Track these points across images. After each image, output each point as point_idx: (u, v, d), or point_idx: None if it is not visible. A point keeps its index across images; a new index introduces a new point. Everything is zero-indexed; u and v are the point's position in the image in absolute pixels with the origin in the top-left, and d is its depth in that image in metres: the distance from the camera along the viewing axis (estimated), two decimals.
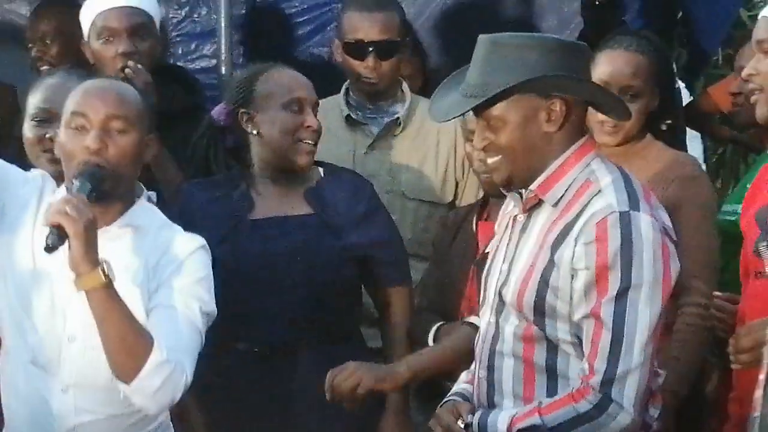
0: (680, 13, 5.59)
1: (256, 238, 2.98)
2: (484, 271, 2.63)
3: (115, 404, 2.22)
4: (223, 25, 4.09)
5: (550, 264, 2.36)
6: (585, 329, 2.32)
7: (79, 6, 3.89)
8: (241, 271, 2.91)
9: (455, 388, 2.63)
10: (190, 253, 2.39)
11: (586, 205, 2.36)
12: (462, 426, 2.41)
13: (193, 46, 4.54)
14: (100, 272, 2.07)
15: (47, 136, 2.77)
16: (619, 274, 2.28)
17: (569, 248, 2.33)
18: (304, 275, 2.95)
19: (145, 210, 2.45)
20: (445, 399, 2.58)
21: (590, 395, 2.25)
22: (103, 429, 2.37)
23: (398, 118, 3.52)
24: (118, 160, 2.26)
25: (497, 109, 2.39)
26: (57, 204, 2.12)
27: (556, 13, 5.17)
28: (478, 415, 2.40)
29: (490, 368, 2.46)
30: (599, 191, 2.36)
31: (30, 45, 4.23)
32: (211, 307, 2.42)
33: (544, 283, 2.37)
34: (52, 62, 4.03)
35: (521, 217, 2.49)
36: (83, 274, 2.06)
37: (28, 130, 2.84)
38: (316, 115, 3.02)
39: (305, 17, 4.87)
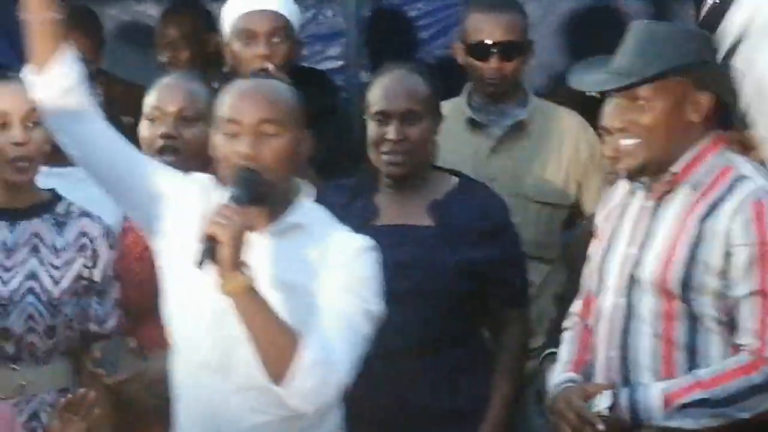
0: None
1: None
2: (596, 258, 2.68)
3: (287, 406, 2.25)
4: (351, 27, 4.20)
5: (698, 240, 2.42)
6: (750, 305, 2.39)
7: (205, 9, 4.28)
8: None
9: (559, 378, 2.66)
10: (358, 252, 2.41)
11: (730, 188, 2.46)
12: (598, 406, 2.46)
13: (318, 47, 4.54)
14: (243, 277, 2.12)
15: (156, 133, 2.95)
16: None
17: (722, 225, 2.40)
18: (414, 287, 2.93)
19: (309, 208, 2.46)
20: (559, 387, 2.62)
21: (765, 366, 2.32)
22: (275, 431, 2.41)
23: (521, 120, 3.50)
24: (272, 164, 2.29)
25: (648, 91, 2.44)
26: (211, 215, 2.16)
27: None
28: (625, 393, 2.43)
29: (624, 347, 2.51)
30: (743, 176, 2.44)
31: (160, 50, 4.31)
32: (377, 307, 2.41)
33: (692, 258, 2.42)
34: (183, 68, 4.06)
35: (650, 204, 2.54)
36: (227, 278, 2.11)
37: (144, 129, 2.95)
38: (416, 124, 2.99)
39: (429, 20, 4.82)
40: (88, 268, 2.95)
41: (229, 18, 3.59)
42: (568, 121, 3.65)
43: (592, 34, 4.63)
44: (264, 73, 3.18)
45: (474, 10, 3.59)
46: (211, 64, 4.09)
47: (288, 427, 2.31)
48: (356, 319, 2.34)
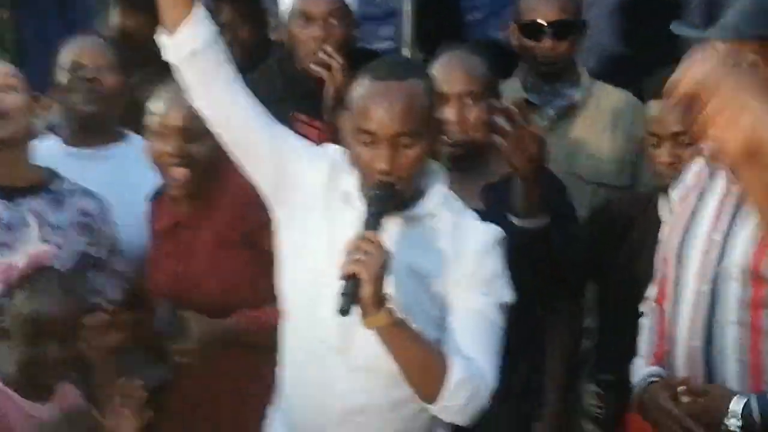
0: None
1: None
2: (674, 242, 2.61)
3: (401, 388, 2.23)
4: (406, 8, 4.24)
5: None
6: None
7: None
8: None
9: (643, 372, 2.63)
10: (489, 243, 2.41)
11: None
12: (732, 413, 2.39)
13: (371, 27, 4.47)
14: (387, 312, 2.10)
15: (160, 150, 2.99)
16: None
17: None
18: None
19: (439, 197, 2.44)
20: (645, 382, 2.59)
21: None
22: (384, 412, 2.40)
23: (575, 103, 3.53)
24: (409, 172, 2.29)
25: (756, 50, 2.31)
26: (351, 250, 2.12)
27: None
28: (754, 399, 2.38)
29: (708, 336, 2.47)
30: None
31: (235, 36, 4.27)
32: (509, 296, 2.44)
33: None
34: (240, 52, 3.98)
35: (735, 188, 2.45)
36: (370, 314, 2.09)
37: (146, 143, 3.09)
38: (471, 109, 2.98)
39: (482, 1, 4.82)
40: (90, 245, 3.07)
41: (287, 4, 3.66)
42: (623, 101, 3.66)
43: (645, 17, 4.58)
44: (320, 54, 3.41)
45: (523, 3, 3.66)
46: (267, 44, 4.27)
47: (396, 411, 2.33)
48: (492, 317, 2.37)
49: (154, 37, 2.43)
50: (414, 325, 2.24)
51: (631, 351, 2.78)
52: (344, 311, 2.06)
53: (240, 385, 2.89)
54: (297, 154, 2.43)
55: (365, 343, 2.16)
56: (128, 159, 3.38)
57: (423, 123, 2.28)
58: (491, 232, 2.40)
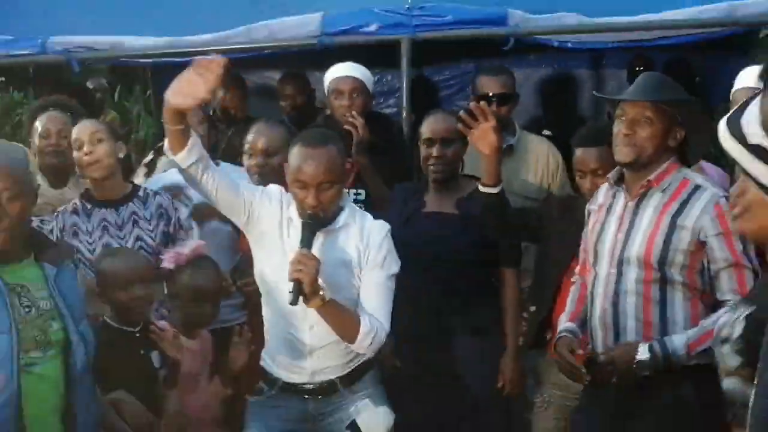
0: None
1: (421, 226, 3.50)
2: (592, 239, 3.12)
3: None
4: (404, 87, 4.47)
5: (672, 229, 2.88)
6: (729, 273, 2.84)
7: (305, 76, 5.17)
8: (410, 248, 3.24)
9: (562, 327, 3.13)
10: (383, 233, 3.00)
11: (693, 193, 2.91)
12: (640, 357, 2.83)
13: (381, 100, 5.27)
14: (320, 298, 2.69)
15: (252, 164, 3.57)
16: (737, 237, 2.80)
17: (691, 220, 2.86)
18: (444, 252, 3.45)
19: (349, 212, 3.00)
20: (558, 336, 3.10)
21: None
22: (334, 350, 2.98)
23: (511, 145, 4.06)
24: (329, 206, 2.89)
25: (652, 111, 2.88)
26: (294, 263, 2.68)
27: None
28: (656, 345, 2.84)
29: (615, 302, 2.98)
30: (699, 185, 2.90)
31: (281, 102, 5.21)
32: (397, 267, 3.02)
33: (667, 242, 2.89)
34: (296, 113, 4.98)
35: (631, 204, 2.99)
36: (310, 301, 2.68)
37: (245, 159, 3.64)
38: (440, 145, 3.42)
39: (452, 82, 5.88)
40: (167, 226, 3.66)
41: (327, 82, 4.24)
42: (541, 145, 4.31)
43: (554, 92, 5.70)
44: (348, 117, 4.00)
45: (480, 74, 4.25)
46: (314, 109, 5.11)
47: (338, 346, 2.92)
48: (387, 285, 3.01)
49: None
50: (340, 299, 2.87)
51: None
52: (294, 303, 2.70)
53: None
54: (258, 200, 3.00)
55: (313, 311, 2.80)
56: None
57: (337, 173, 2.87)
58: (384, 226, 3.03)
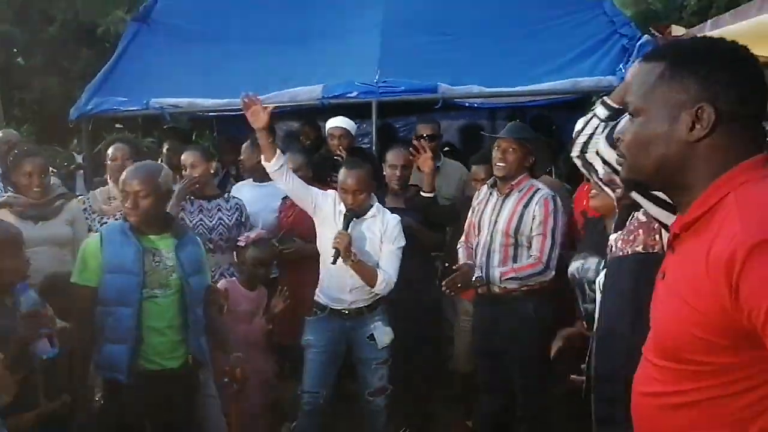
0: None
1: None
2: (474, 220, 3.64)
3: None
4: (374, 131, 4.93)
5: (522, 214, 3.42)
6: (538, 239, 3.39)
7: (318, 123, 5.48)
8: None
9: (462, 261, 3.62)
10: (395, 222, 3.46)
11: (534, 194, 3.46)
12: (475, 277, 3.45)
13: (359, 140, 5.51)
14: (351, 259, 3.16)
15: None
16: (554, 218, 3.35)
17: (531, 208, 3.40)
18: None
19: (376, 208, 3.46)
20: (460, 265, 3.54)
21: (540, 265, 3.40)
22: (362, 290, 3.43)
23: (438, 166, 4.45)
24: (361, 204, 3.34)
25: (516, 145, 3.41)
26: (335, 238, 3.20)
27: None
28: (483, 272, 3.46)
29: (489, 255, 3.50)
30: (539, 189, 3.47)
31: (301, 137, 5.62)
32: (402, 243, 3.45)
33: (519, 221, 3.42)
34: (311, 146, 5.26)
35: (500, 199, 3.49)
36: (345, 260, 3.18)
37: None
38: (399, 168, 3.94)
39: (403, 128, 6.43)
40: (239, 217, 4.03)
41: (327, 128, 4.91)
42: (454, 166, 4.89)
43: (467, 134, 6.33)
44: (338, 151, 4.46)
45: (419, 123, 4.85)
46: (319, 143, 5.45)
47: (364, 287, 3.38)
48: (396, 253, 3.45)
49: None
50: (366, 260, 3.35)
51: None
52: (333, 263, 3.19)
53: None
54: (321, 197, 3.43)
55: (349, 267, 3.26)
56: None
57: (365, 185, 3.32)
58: (396, 218, 3.46)
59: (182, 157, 4.05)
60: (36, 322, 2.48)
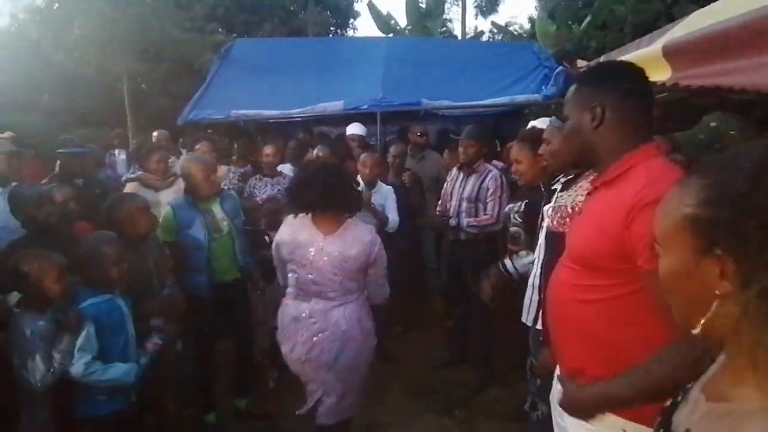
0: None
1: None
2: (449, 192, 3.60)
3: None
4: (378, 132, 4.89)
5: (479, 187, 3.34)
6: (491, 203, 3.31)
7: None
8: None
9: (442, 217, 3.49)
10: (391, 190, 3.56)
11: (488, 173, 3.40)
12: (451, 222, 3.33)
13: (368, 139, 5.06)
14: (371, 208, 3.25)
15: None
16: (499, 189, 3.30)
17: (486, 183, 3.33)
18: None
19: (380, 183, 3.53)
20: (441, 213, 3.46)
21: (492, 219, 3.33)
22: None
23: (424, 155, 4.63)
24: (374, 178, 3.59)
25: (474, 142, 3.46)
26: (364, 194, 3.06)
27: None
28: (455, 220, 3.36)
29: (458, 213, 3.46)
30: (491, 170, 3.39)
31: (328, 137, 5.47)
32: (395, 199, 3.55)
33: (478, 192, 3.37)
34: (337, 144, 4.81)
35: (465, 177, 3.43)
36: (367, 210, 3.19)
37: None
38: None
39: (397, 129, 5.98)
40: (280, 191, 3.64)
41: (347, 132, 4.79)
42: (434, 155, 4.84)
43: (441, 134, 5.99)
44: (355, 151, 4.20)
45: (412, 125, 5.02)
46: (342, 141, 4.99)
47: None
48: (394, 206, 3.50)
49: None
50: (381, 209, 3.44)
51: None
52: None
53: None
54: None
55: None
56: None
57: (378, 164, 3.51)
58: (390, 189, 3.59)
59: (264, 149, 4.02)
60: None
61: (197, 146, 3.98)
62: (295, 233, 2.18)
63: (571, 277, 1.33)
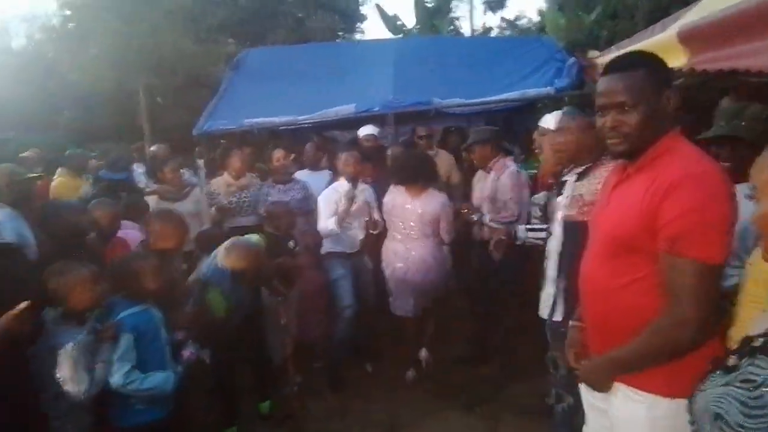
0: None
1: None
2: (474, 189, 3.63)
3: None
4: (391, 132, 4.78)
5: (497, 184, 3.37)
6: (512, 201, 3.28)
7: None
8: None
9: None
10: (370, 189, 3.61)
11: (505, 169, 3.33)
12: (475, 217, 3.28)
13: (381, 139, 4.89)
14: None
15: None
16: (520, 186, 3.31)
17: (503, 180, 3.31)
18: None
19: (362, 183, 3.53)
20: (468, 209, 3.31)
21: (513, 217, 3.31)
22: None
23: (433, 154, 4.50)
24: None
25: (485, 140, 3.47)
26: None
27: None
28: (478, 218, 3.30)
29: (481, 208, 3.42)
30: (509, 166, 3.34)
31: (341, 138, 5.46)
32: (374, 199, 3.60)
33: (499, 187, 3.34)
34: (352, 143, 4.83)
35: (486, 174, 3.43)
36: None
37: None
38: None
39: (408, 130, 5.58)
40: (303, 197, 3.82)
41: (360, 134, 4.73)
42: (444, 154, 4.93)
43: (453, 132, 5.89)
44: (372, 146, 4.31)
45: (417, 124, 4.95)
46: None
47: None
48: (375, 204, 3.57)
49: None
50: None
51: None
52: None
53: None
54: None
55: None
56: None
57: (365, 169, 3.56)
58: (369, 187, 3.61)
59: (274, 154, 4.03)
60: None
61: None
62: (395, 197, 3.39)
63: (606, 266, 1.35)
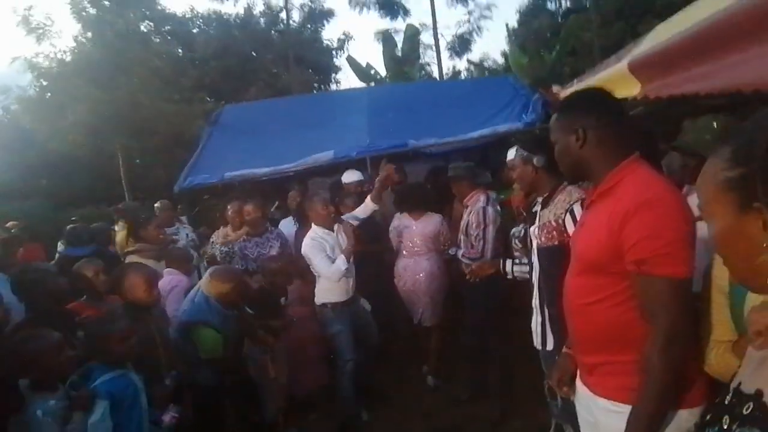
0: None
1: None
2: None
3: None
4: (369, 172, 4.77)
5: (468, 220, 3.40)
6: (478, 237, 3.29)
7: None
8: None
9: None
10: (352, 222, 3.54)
11: (486, 201, 3.35)
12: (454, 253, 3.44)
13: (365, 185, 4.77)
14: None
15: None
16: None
17: (477, 207, 3.34)
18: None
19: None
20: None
21: (477, 253, 3.33)
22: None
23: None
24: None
25: (462, 175, 3.52)
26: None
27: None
28: (455, 252, 3.46)
29: (460, 243, 3.47)
30: (479, 199, 3.34)
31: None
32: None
33: (468, 221, 3.43)
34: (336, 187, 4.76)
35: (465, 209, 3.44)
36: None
37: None
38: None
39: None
40: (281, 246, 3.87)
41: (343, 179, 4.63)
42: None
43: (431, 171, 5.57)
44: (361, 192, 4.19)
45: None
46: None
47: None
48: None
49: None
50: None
51: None
52: None
53: None
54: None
55: None
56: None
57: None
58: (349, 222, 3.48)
59: (245, 209, 4.01)
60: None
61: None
62: (401, 221, 3.86)
63: (580, 284, 1.42)
